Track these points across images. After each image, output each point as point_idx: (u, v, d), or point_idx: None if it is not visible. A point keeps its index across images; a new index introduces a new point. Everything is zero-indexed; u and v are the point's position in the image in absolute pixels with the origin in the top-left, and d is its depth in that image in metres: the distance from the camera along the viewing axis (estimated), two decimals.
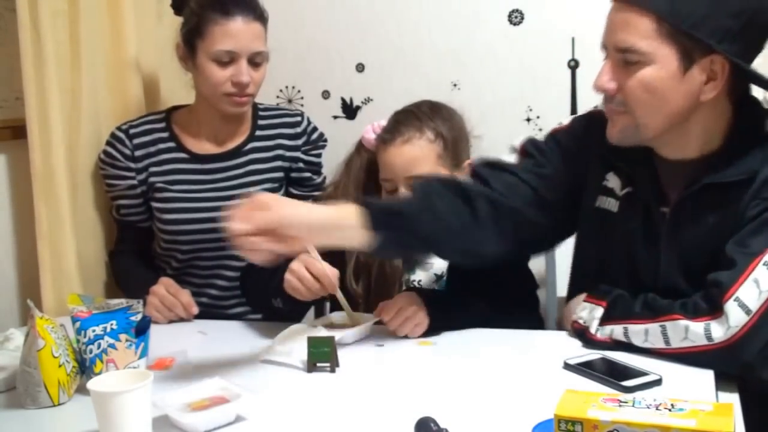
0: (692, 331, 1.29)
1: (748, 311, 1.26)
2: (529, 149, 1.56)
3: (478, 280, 1.62)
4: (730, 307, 1.26)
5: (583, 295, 1.47)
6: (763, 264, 1.28)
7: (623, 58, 1.32)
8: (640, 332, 1.36)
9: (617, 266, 1.47)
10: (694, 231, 1.38)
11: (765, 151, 1.34)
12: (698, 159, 1.39)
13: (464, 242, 1.46)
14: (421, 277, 1.74)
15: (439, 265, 1.72)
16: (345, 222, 1.37)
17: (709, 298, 1.30)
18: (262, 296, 1.66)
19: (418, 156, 1.66)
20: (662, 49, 1.29)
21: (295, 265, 1.53)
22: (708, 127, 1.37)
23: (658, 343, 1.34)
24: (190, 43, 1.84)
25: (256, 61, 1.83)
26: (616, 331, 1.39)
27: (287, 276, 1.53)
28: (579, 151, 1.52)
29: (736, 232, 1.33)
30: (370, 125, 1.80)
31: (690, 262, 1.38)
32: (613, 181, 1.47)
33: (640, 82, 1.31)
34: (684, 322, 1.30)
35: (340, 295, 1.56)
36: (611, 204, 1.47)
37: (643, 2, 1.29)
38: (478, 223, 1.45)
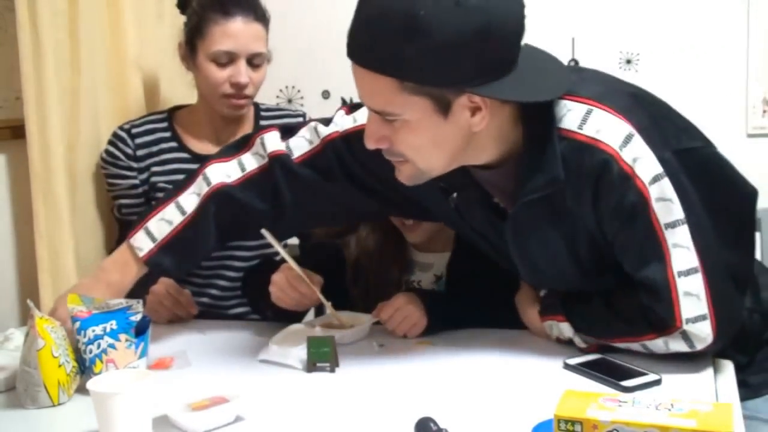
0: (672, 344, 1.31)
1: (704, 317, 1.26)
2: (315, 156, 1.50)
3: (478, 280, 1.62)
4: (689, 328, 1.27)
5: (531, 306, 1.49)
6: (678, 275, 1.25)
7: (383, 117, 1.25)
8: (622, 347, 1.37)
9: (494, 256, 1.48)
10: (535, 238, 1.34)
11: (566, 156, 1.25)
12: (505, 162, 1.32)
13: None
14: (420, 277, 1.74)
15: (438, 265, 1.73)
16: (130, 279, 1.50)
17: (663, 328, 1.29)
18: (259, 304, 1.68)
19: None
20: (414, 104, 1.21)
21: (276, 276, 1.57)
22: (496, 135, 1.28)
23: (641, 352, 1.36)
24: (192, 42, 1.84)
25: (255, 62, 1.83)
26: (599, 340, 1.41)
27: (271, 288, 1.58)
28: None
29: (589, 223, 1.28)
30: None
31: (542, 267, 1.38)
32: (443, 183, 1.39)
33: (407, 137, 1.25)
34: (661, 340, 1.31)
35: (326, 303, 1.58)
36: (454, 202, 1.42)
37: (372, 68, 1.20)
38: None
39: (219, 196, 1.49)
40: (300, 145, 1.50)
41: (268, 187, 1.51)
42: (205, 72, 1.83)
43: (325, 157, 1.48)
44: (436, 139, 1.25)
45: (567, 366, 1.36)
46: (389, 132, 1.26)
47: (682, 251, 1.25)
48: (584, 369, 1.33)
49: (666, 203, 1.23)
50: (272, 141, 1.51)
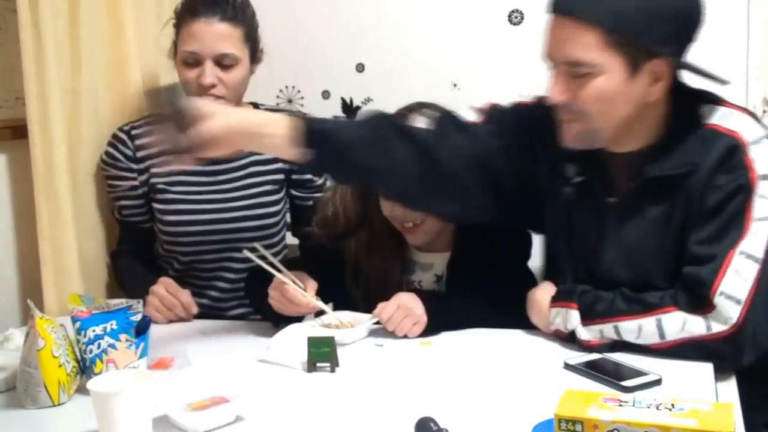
0: (690, 323, 1.32)
1: (738, 301, 1.29)
2: (490, 113, 1.57)
3: (479, 280, 1.62)
4: (720, 301, 1.29)
5: (547, 294, 1.48)
6: (740, 254, 1.31)
7: (573, 71, 1.34)
8: (633, 329, 1.37)
9: (564, 255, 1.51)
10: (638, 224, 1.42)
11: (703, 142, 1.37)
12: (642, 151, 1.42)
13: (416, 188, 1.47)
14: (421, 278, 1.74)
15: (439, 265, 1.72)
16: (269, 130, 1.37)
17: (694, 294, 1.33)
18: (263, 312, 1.68)
19: None
20: (610, 59, 1.32)
21: (271, 291, 1.58)
22: (649, 122, 1.41)
23: (652, 339, 1.35)
24: (175, 44, 1.86)
25: (224, 63, 1.80)
26: (606, 330, 1.39)
27: (269, 300, 1.59)
28: (537, 131, 1.51)
29: (687, 223, 1.37)
30: None
31: (633, 255, 1.42)
32: (570, 169, 1.49)
33: (593, 93, 1.34)
34: (681, 315, 1.33)
35: (325, 307, 1.58)
36: (569, 192, 1.49)
37: (587, 17, 1.30)
38: (437, 177, 1.46)
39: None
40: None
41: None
42: (178, 72, 1.84)
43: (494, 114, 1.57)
44: (617, 99, 1.34)
45: (567, 366, 1.36)
46: (576, 87, 1.34)
47: (756, 239, 1.32)
48: (584, 369, 1.33)
49: (765, 201, 1.33)
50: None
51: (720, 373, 1.31)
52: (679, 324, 1.32)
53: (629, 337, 1.37)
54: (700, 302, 1.32)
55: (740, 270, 1.31)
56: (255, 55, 1.88)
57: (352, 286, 1.73)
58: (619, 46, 1.31)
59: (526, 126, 1.53)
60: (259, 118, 1.43)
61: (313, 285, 1.58)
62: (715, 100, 1.42)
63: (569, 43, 1.33)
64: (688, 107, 1.41)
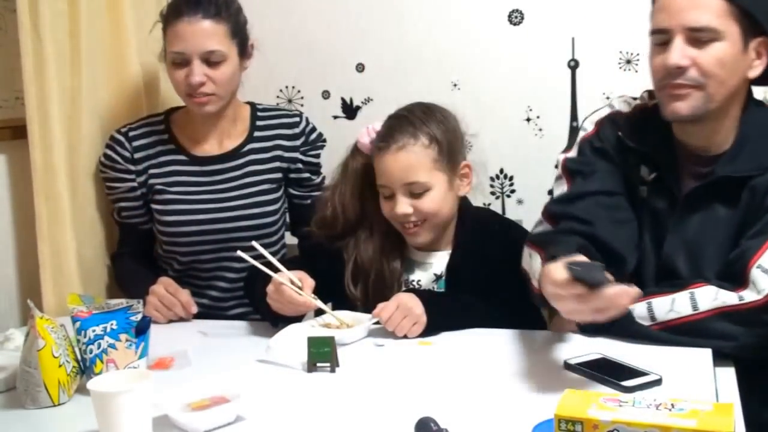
0: (723, 293, 1.35)
1: None
2: (572, 167, 1.59)
3: (478, 279, 1.62)
4: (756, 274, 1.33)
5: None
6: None
7: (695, 37, 1.41)
8: (666, 303, 1.39)
9: (631, 247, 1.52)
10: (701, 220, 1.46)
11: None
12: (716, 151, 1.48)
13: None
14: (420, 277, 1.74)
15: (438, 265, 1.73)
16: None
17: (731, 272, 1.37)
18: (263, 313, 1.68)
19: (414, 162, 1.64)
20: (730, 27, 1.41)
21: (270, 291, 1.59)
22: (735, 118, 1.47)
23: (685, 310, 1.38)
24: (165, 47, 1.85)
25: (212, 60, 1.80)
26: (638, 309, 1.41)
27: (268, 300, 1.60)
28: (613, 150, 1.57)
29: (748, 225, 1.40)
30: (365, 128, 1.77)
31: (693, 250, 1.46)
32: (644, 171, 1.54)
33: (714, 57, 1.41)
34: (713, 288, 1.36)
35: (324, 306, 1.59)
36: (645, 192, 1.54)
37: None
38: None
39: None
40: None
41: None
42: (168, 73, 1.85)
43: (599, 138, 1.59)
44: (732, 68, 1.42)
45: (567, 366, 1.36)
46: (695, 54, 1.41)
47: None
48: (584, 369, 1.33)
49: None
50: None
51: (720, 364, 1.32)
52: (712, 294, 1.36)
53: (660, 312, 1.40)
54: (735, 279, 1.35)
55: None
56: (244, 50, 1.87)
57: (351, 285, 1.73)
58: (737, 16, 1.40)
59: (606, 147, 1.57)
60: None
61: (310, 283, 1.59)
62: None
63: (693, 9, 1.40)
64: (760, 111, 1.49)
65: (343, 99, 2.36)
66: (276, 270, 1.59)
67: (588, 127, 1.61)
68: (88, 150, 1.93)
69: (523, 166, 2.25)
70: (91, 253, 1.94)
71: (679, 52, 1.41)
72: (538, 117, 2.24)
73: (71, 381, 1.32)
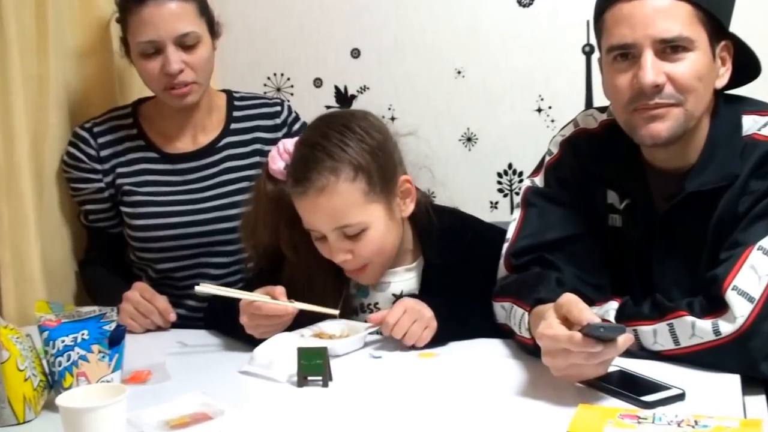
0: (699, 328, 1.33)
1: (750, 299, 1.31)
2: (532, 201, 1.61)
3: (452, 293, 1.58)
4: (731, 297, 1.31)
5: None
6: (758, 249, 1.34)
7: (666, 48, 1.39)
8: (649, 334, 1.39)
9: (620, 279, 1.55)
10: (682, 241, 1.47)
11: (743, 153, 1.43)
12: (685, 166, 1.48)
13: None
14: (377, 299, 1.68)
15: (397, 285, 1.67)
16: None
17: (710, 295, 1.35)
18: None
19: (340, 205, 1.52)
20: (701, 35, 1.40)
21: (243, 319, 1.56)
22: (705, 130, 1.47)
23: (668, 344, 1.37)
24: (125, 39, 1.84)
25: (186, 43, 1.79)
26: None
27: (247, 331, 1.57)
28: (576, 178, 1.59)
29: (728, 235, 1.40)
30: (275, 149, 1.62)
31: (682, 271, 1.47)
32: (611, 196, 1.56)
33: (691, 70, 1.39)
34: (690, 319, 1.34)
35: (304, 307, 1.55)
36: (617, 220, 1.56)
37: None
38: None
39: None
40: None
41: None
42: (138, 68, 1.83)
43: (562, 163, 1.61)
44: (706, 78, 1.41)
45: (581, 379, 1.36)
46: (669, 68, 1.39)
47: None
48: (600, 382, 1.33)
49: None
50: None
51: (748, 387, 1.32)
52: (689, 329, 1.34)
53: (647, 342, 1.40)
54: (713, 303, 1.34)
55: (757, 266, 1.33)
56: (213, 29, 1.87)
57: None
58: (704, 22, 1.40)
59: (569, 175, 1.59)
60: None
61: (281, 290, 1.55)
62: (759, 107, 1.48)
63: (662, 20, 1.38)
64: (727, 118, 1.47)
65: (336, 87, 2.36)
66: (238, 299, 1.56)
67: (553, 149, 1.64)
68: (54, 144, 1.93)
69: (534, 161, 2.25)
70: (57, 258, 1.94)
71: (654, 69, 1.38)
72: (550, 107, 2.25)
73: (38, 396, 1.33)
